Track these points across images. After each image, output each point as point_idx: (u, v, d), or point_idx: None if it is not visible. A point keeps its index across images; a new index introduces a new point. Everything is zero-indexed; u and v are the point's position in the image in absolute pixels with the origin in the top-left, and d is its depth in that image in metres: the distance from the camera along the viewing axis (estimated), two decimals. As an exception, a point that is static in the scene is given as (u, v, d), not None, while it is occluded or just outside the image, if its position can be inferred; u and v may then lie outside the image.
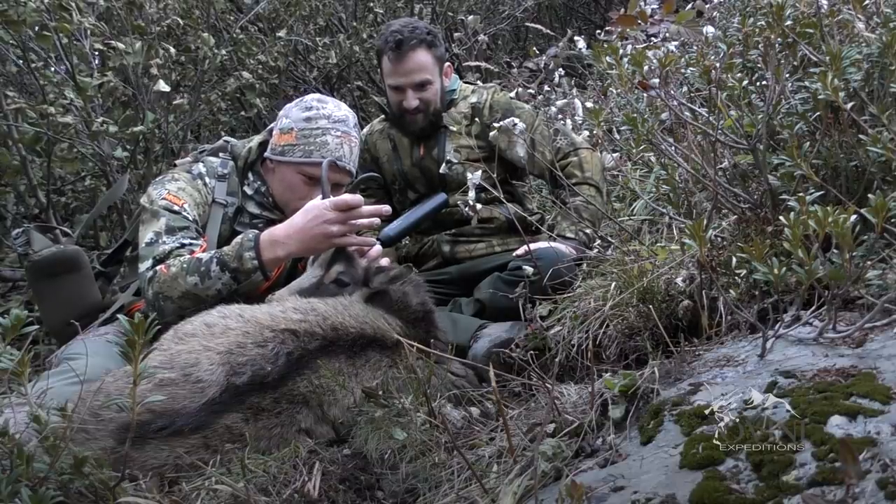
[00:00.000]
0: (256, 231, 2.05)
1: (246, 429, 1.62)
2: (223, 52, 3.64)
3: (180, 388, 1.61)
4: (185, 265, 1.99)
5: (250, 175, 2.27)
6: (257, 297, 2.23)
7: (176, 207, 2.12)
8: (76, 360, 1.85)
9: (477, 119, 2.75)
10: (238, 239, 2.04)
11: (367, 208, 2.02)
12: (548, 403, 1.51)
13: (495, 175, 2.31)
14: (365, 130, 3.03)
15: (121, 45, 3.01)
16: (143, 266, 2.06)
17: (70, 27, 2.91)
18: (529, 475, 1.26)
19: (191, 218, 2.14)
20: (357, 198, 2.01)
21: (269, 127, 2.34)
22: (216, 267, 1.99)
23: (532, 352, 1.91)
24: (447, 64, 2.85)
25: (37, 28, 2.91)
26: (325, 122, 2.20)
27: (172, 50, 3.11)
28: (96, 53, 3.29)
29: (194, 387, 1.61)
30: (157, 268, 2.02)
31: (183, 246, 2.07)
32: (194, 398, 1.60)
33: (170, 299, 1.99)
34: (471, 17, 5.02)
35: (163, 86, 2.96)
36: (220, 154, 2.32)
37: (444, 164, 2.66)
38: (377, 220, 2.06)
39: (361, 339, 1.80)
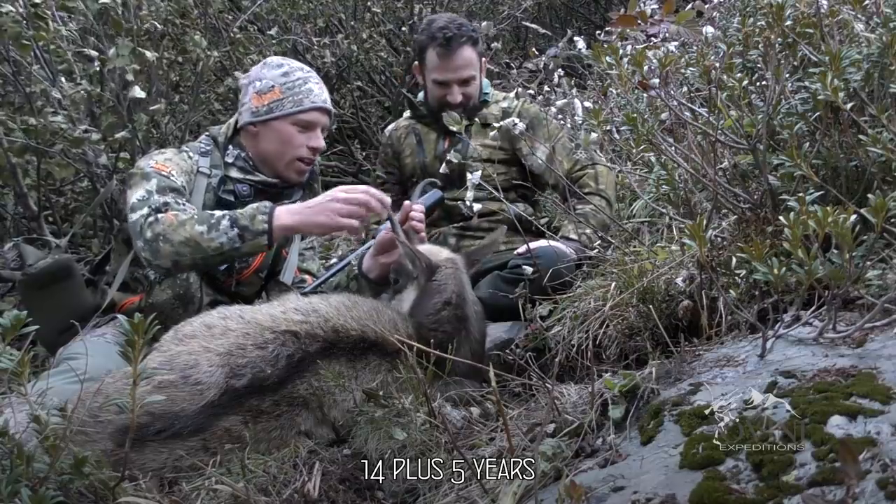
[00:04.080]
0: (272, 203, 2.12)
1: (245, 431, 1.62)
2: (215, 53, 3.63)
3: (179, 389, 1.60)
4: (195, 215, 2.05)
5: (230, 147, 2.36)
6: (229, 292, 2.30)
7: (164, 173, 2.19)
8: (76, 360, 1.85)
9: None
10: (255, 204, 2.10)
11: (374, 200, 2.07)
12: (548, 403, 1.51)
13: (506, 175, 2.34)
14: (390, 127, 3.09)
15: (93, 53, 3.00)
16: (138, 214, 2.08)
17: (47, 36, 2.91)
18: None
19: (179, 184, 2.20)
20: (371, 190, 2.08)
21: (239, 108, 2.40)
22: (227, 221, 2.04)
23: (531, 352, 1.91)
24: (484, 59, 2.93)
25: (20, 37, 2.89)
26: (301, 73, 2.33)
27: (148, 54, 3.07)
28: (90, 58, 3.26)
29: (193, 389, 1.61)
30: (159, 215, 2.06)
31: (177, 203, 2.12)
32: (193, 400, 1.60)
33: (170, 242, 2.01)
34: (484, 24, 5.01)
35: (138, 92, 2.95)
36: (202, 139, 2.44)
37: (443, 165, 2.67)
38: (387, 202, 2.11)
39: (362, 343, 1.79)
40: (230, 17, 4.74)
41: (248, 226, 2.03)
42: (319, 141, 2.33)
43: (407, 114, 3.07)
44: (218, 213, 2.07)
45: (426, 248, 2.11)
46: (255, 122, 2.31)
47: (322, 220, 2.04)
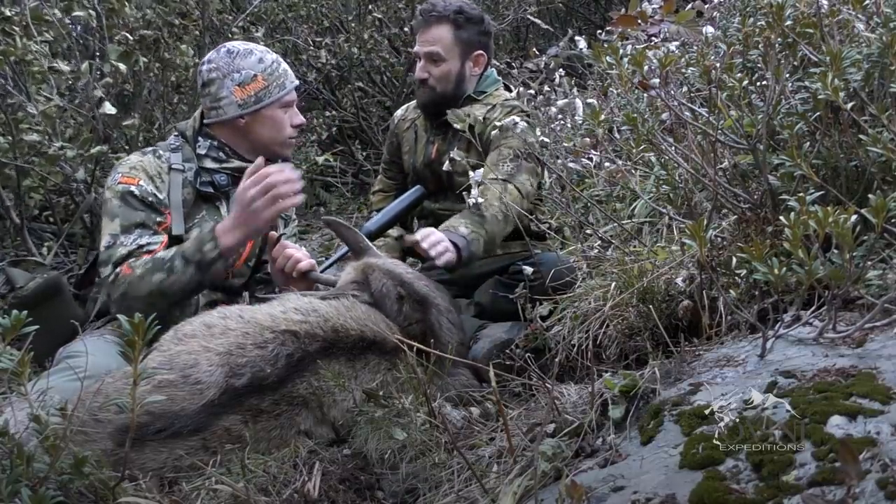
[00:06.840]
0: (212, 223, 2.16)
1: (245, 430, 1.62)
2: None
3: (179, 389, 1.60)
4: (148, 264, 2.08)
5: (200, 139, 2.38)
6: (221, 286, 2.31)
7: (132, 188, 2.20)
8: (76, 358, 1.85)
9: (474, 126, 2.65)
10: (195, 233, 2.16)
11: (277, 173, 2.09)
12: (548, 403, 1.51)
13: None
14: (399, 112, 2.93)
15: (65, 68, 2.99)
16: (104, 272, 2.15)
17: (16, 52, 2.89)
18: (529, 475, 1.26)
19: (149, 190, 2.21)
20: (263, 168, 2.10)
21: (206, 101, 2.39)
22: (179, 262, 2.07)
23: (531, 352, 1.91)
24: (478, 52, 2.68)
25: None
26: (270, 56, 2.37)
27: (123, 67, 3.06)
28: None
29: (193, 388, 1.61)
30: (118, 270, 2.11)
31: (140, 247, 2.15)
32: (193, 400, 1.60)
33: (137, 299, 2.06)
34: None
35: (109, 108, 2.93)
36: (170, 137, 2.46)
37: (447, 163, 2.60)
38: (297, 186, 2.12)
39: (362, 342, 1.79)
40: (231, 18, 4.74)
41: (202, 259, 2.07)
42: (300, 117, 2.43)
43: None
44: (167, 254, 2.10)
45: (339, 279, 2.13)
46: (244, 115, 2.32)
47: (258, 224, 2.09)
